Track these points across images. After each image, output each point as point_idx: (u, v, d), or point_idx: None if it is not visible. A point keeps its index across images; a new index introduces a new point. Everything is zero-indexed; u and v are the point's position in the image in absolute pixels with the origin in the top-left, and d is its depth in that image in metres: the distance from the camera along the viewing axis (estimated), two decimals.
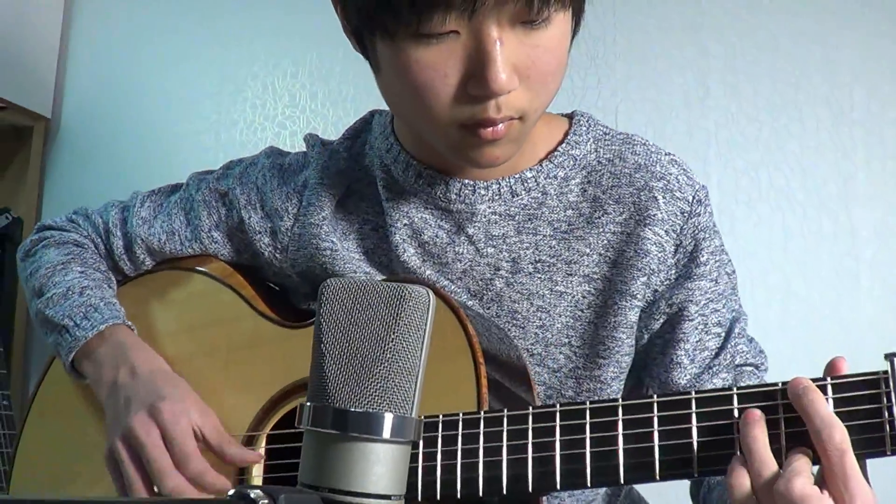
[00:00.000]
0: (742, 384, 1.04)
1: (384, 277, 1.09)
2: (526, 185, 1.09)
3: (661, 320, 1.09)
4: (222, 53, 2.30)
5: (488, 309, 1.10)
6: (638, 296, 1.08)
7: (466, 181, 1.08)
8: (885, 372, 0.78)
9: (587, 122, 1.14)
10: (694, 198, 1.10)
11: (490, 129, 0.94)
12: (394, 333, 0.78)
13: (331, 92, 2.16)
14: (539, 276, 1.09)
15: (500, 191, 1.08)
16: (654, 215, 1.08)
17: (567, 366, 1.09)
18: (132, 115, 2.38)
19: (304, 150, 1.22)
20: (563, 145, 1.11)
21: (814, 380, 0.80)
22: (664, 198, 1.08)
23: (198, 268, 1.22)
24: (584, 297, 1.09)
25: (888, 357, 0.78)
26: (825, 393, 0.79)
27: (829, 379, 0.80)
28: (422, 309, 0.81)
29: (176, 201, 1.24)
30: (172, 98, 2.34)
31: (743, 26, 1.90)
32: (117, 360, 1.11)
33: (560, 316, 1.09)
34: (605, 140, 1.13)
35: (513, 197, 1.09)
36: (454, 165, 1.08)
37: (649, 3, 1.97)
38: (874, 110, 1.84)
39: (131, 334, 1.16)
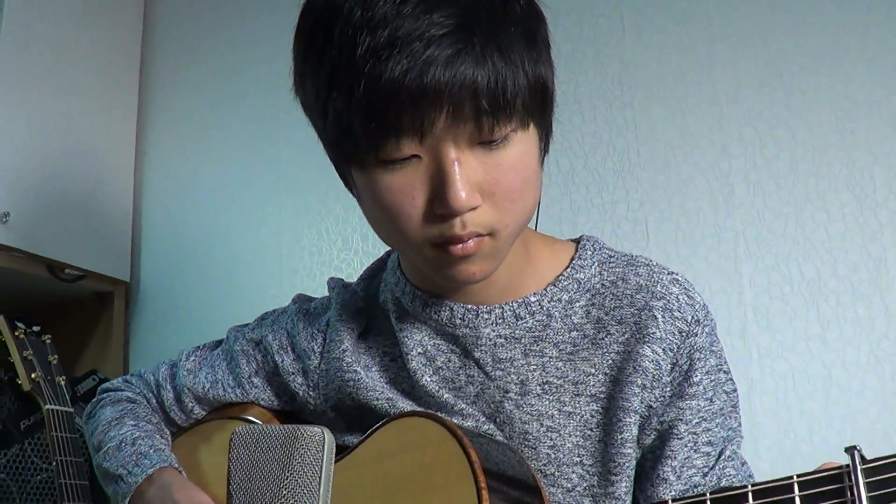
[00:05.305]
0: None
1: (409, 403, 1.14)
2: (530, 308, 1.12)
3: (652, 436, 1.11)
4: (278, 208, 2.44)
5: (502, 431, 1.12)
6: (638, 410, 1.09)
7: (470, 306, 1.12)
8: (847, 465, 0.80)
9: (592, 245, 1.17)
10: (693, 318, 1.11)
11: (459, 245, 0.97)
12: (288, 472, 0.84)
13: None
14: (547, 397, 1.11)
15: (503, 315, 1.11)
16: (653, 333, 1.09)
17: (581, 485, 1.11)
18: (203, 273, 2.53)
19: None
20: (569, 269, 1.14)
21: (780, 479, 0.82)
22: (663, 317, 1.10)
23: (241, 416, 1.28)
24: (592, 417, 1.11)
25: (848, 450, 0.79)
26: (791, 491, 0.81)
27: (794, 477, 0.82)
28: (315, 447, 0.85)
29: (218, 353, 1.31)
30: (237, 254, 2.49)
31: (760, 123, 1.95)
32: (164, 500, 1.16)
33: (570, 436, 1.11)
34: (609, 263, 1.16)
35: (517, 320, 1.11)
36: (456, 291, 1.12)
37: (668, 112, 2.04)
38: None
39: (178, 476, 1.20)
